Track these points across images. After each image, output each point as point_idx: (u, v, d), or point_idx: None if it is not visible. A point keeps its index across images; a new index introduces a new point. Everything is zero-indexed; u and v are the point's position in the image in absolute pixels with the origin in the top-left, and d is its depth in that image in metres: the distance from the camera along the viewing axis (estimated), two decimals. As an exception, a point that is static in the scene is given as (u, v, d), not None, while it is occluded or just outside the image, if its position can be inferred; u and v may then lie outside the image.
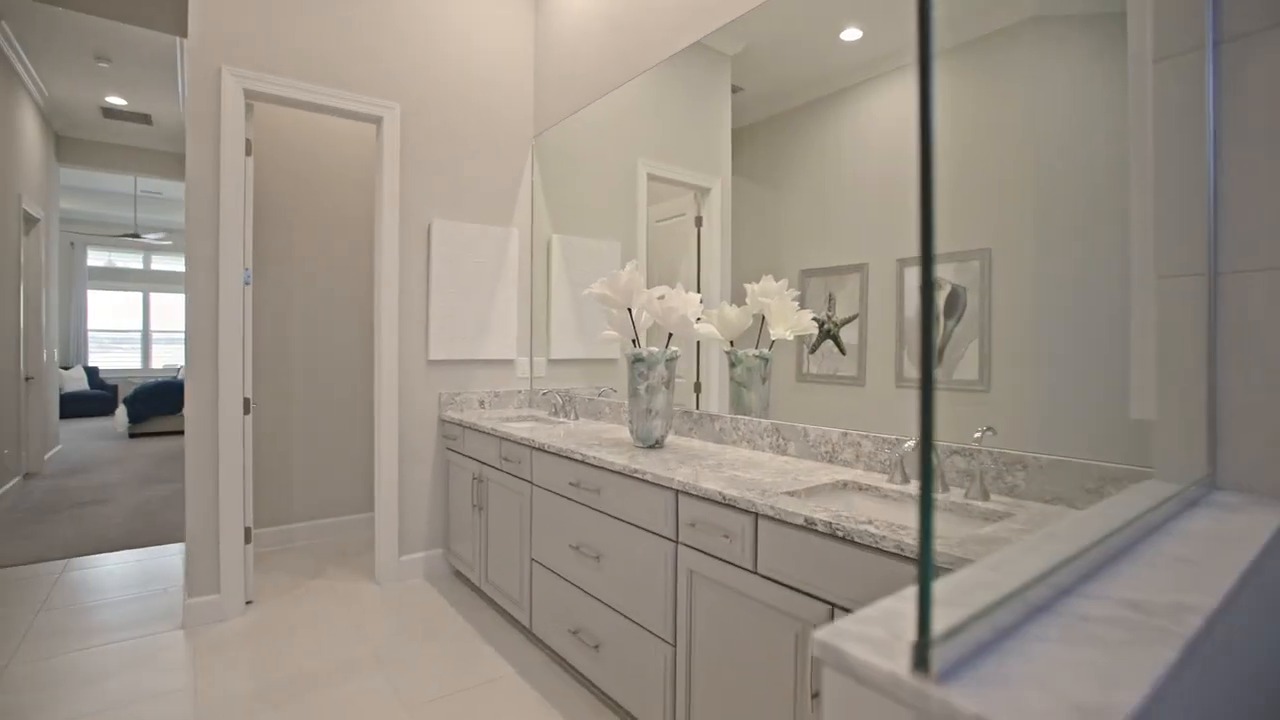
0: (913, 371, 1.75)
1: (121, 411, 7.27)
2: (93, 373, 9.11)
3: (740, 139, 2.30)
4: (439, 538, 3.15)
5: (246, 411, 2.70)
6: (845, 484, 1.65)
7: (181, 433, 7.47)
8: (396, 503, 3.01)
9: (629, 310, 2.14)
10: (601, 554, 1.94)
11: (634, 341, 2.19)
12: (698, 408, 2.39)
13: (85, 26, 4.09)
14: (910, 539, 1.12)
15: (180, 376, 8.51)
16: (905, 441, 1.64)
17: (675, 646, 1.67)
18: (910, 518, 1.50)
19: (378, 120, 2.99)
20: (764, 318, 2.14)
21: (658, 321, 2.02)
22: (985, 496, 1.42)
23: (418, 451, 3.08)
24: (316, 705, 2.02)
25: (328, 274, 3.69)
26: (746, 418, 2.13)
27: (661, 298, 2.01)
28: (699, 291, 2.39)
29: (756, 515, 1.44)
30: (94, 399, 8.65)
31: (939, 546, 1.08)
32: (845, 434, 1.81)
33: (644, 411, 2.08)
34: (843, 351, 1.94)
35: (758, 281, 2.14)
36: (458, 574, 3.13)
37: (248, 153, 2.71)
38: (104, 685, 2.12)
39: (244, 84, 2.63)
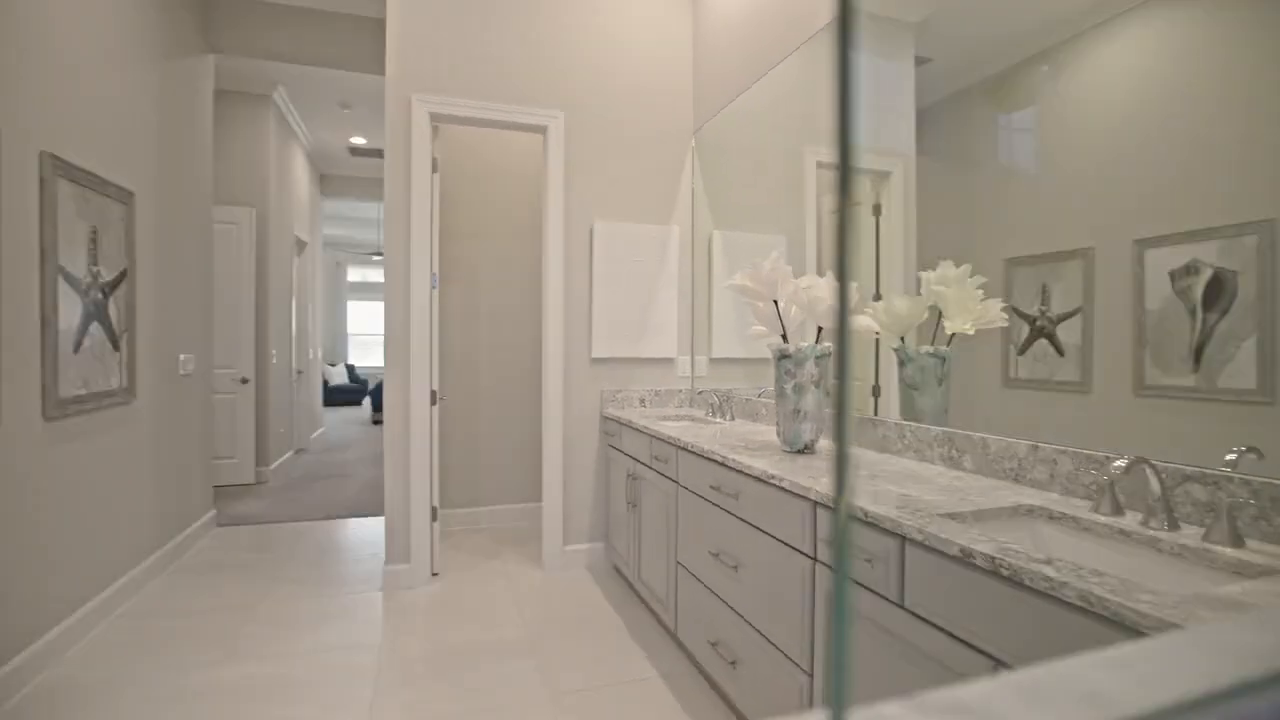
0: (1160, 377, 1.36)
1: (367, 402, 8.64)
2: (351, 369, 10.99)
3: (927, 116, 2.01)
4: (600, 531, 3.23)
5: (434, 403, 3.00)
6: (1031, 509, 1.33)
7: (410, 421, 8.65)
8: (560, 495, 3.14)
9: (775, 303, 1.97)
10: (740, 563, 1.81)
11: (783, 337, 2.02)
12: (876, 413, 2.12)
13: (332, 80, 4.91)
14: (1106, 591, 0.85)
15: (411, 372, 9.88)
16: (1115, 460, 1.28)
17: (812, 677, 1.48)
18: (1116, 560, 1.16)
19: (543, 129, 3.14)
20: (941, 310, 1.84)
21: (805, 311, 1.84)
22: (1236, 541, 1.04)
23: (581, 446, 3.19)
24: (472, 679, 2.16)
25: (507, 278, 3.99)
26: (914, 424, 1.85)
27: (808, 287, 1.82)
28: (877, 287, 2.13)
29: (903, 539, 1.21)
30: (352, 391, 10.43)
31: (1145, 605, 0.80)
32: (1036, 448, 1.47)
33: (791, 413, 1.90)
34: (1060, 352, 1.59)
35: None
36: (616, 569, 3.19)
37: (434, 170, 3.01)
38: (319, 632, 2.48)
39: (429, 108, 2.93)
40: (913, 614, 1.18)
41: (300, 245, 6.34)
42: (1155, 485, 1.15)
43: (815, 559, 1.48)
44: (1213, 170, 1.26)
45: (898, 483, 1.51)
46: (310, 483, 5.08)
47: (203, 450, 3.65)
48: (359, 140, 6.32)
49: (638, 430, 2.68)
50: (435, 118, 2.98)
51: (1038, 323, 1.67)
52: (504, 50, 3.07)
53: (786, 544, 1.58)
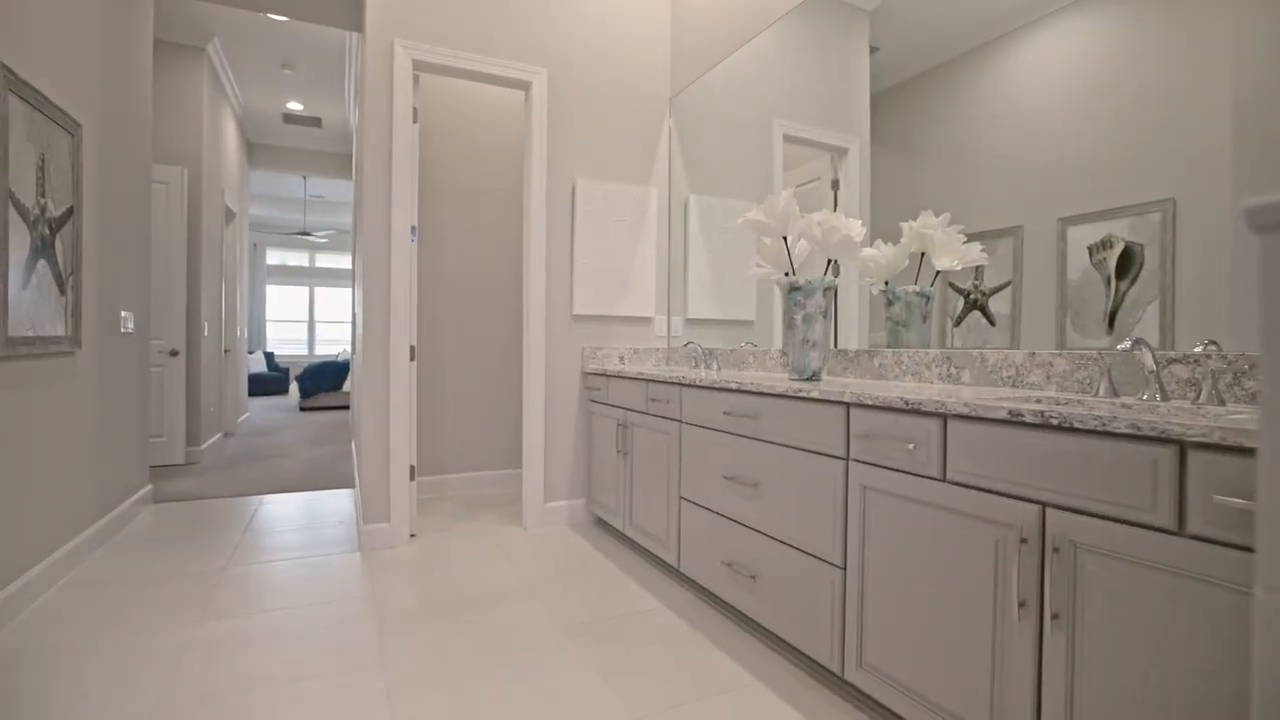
0: (1079, 340, 1.58)
1: (294, 388, 8.17)
2: (269, 357, 10.34)
3: (877, 104, 2.24)
4: (581, 488, 3.25)
5: (412, 358, 2.93)
6: (1039, 401, 1.50)
7: (343, 407, 8.28)
8: (542, 450, 3.14)
9: (784, 239, 2.08)
10: (759, 482, 1.91)
11: (787, 274, 2.14)
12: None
13: (277, 35, 4.65)
14: (1153, 417, 0.99)
15: (340, 359, 9.44)
16: (1120, 344, 1.45)
17: (845, 569, 1.60)
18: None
19: (526, 85, 3.14)
20: (922, 255, 2.02)
21: (817, 245, 1.96)
22: (1220, 403, 1.24)
23: (562, 403, 3.20)
24: (482, 620, 2.14)
25: (474, 241, 3.93)
26: (910, 350, 2.01)
27: (822, 221, 1.94)
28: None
29: (945, 417, 1.34)
30: (272, 379, 9.81)
31: (1177, 428, 0.95)
32: (1033, 354, 1.65)
33: (800, 342, 2.02)
34: (991, 323, 1.82)
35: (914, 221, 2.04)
36: (599, 521, 3.22)
37: (414, 120, 2.94)
38: (303, 588, 2.38)
39: (412, 55, 2.86)
40: (956, 484, 1.31)
41: (229, 215, 5.93)
42: (1149, 361, 1.34)
43: (847, 459, 1.60)
44: (1124, 155, 1.50)
45: (912, 394, 1.65)
46: (249, 462, 4.77)
47: (140, 417, 3.38)
48: (295, 106, 5.99)
49: (631, 378, 2.74)
50: (418, 65, 2.91)
51: (971, 296, 1.89)
52: (489, 2, 3.04)
53: (816, 452, 1.69)
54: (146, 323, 3.44)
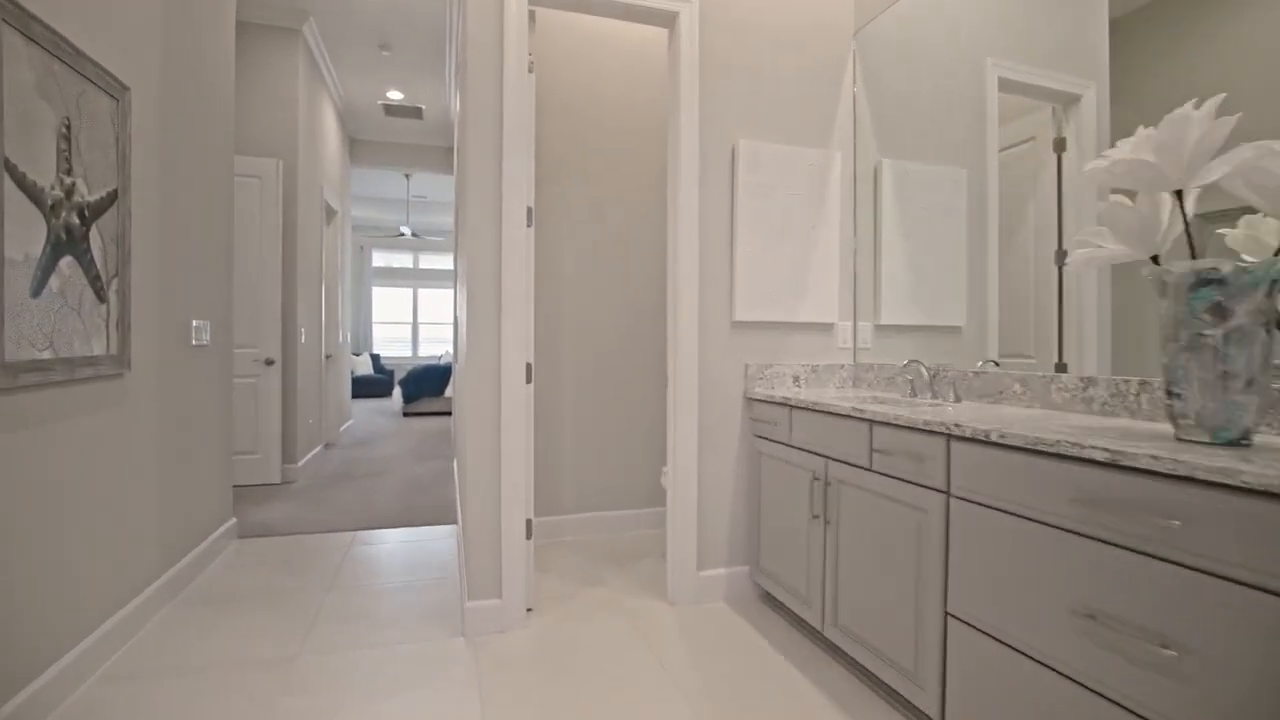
0: None
1: (397, 392, 7.93)
2: (376, 359, 10.28)
3: (1118, 32, 1.56)
4: (742, 552, 2.46)
5: (529, 380, 2.24)
6: None
7: (445, 413, 7.93)
8: (695, 504, 2.37)
9: (1177, 195, 1.19)
10: (1183, 645, 1.03)
11: (1154, 259, 1.25)
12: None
13: (373, 11, 4.16)
14: None
15: (443, 361, 9.18)
16: None
17: None
18: None
19: (671, 18, 2.37)
20: None
21: (1267, 198, 1.05)
22: None
23: (718, 438, 2.41)
24: (643, 795, 1.39)
25: (601, 226, 3.22)
26: None
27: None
28: (1059, 239, 1.71)
29: None
30: (377, 382, 9.72)
31: None
32: None
33: (1218, 379, 1.11)
34: None
35: None
36: (770, 599, 2.41)
37: (529, 70, 2.25)
38: (389, 702, 1.73)
39: None
40: None
41: (330, 213, 5.61)
42: None
43: None
44: None
45: None
46: (345, 482, 4.34)
47: (222, 442, 2.91)
48: (395, 95, 5.57)
49: (837, 415, 1.91)
50: (533, 0, 2.21)
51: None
52: (622, -92, 2.30)
53: (1391, 625, 0.80)
54: (228, 332, 2.98)
